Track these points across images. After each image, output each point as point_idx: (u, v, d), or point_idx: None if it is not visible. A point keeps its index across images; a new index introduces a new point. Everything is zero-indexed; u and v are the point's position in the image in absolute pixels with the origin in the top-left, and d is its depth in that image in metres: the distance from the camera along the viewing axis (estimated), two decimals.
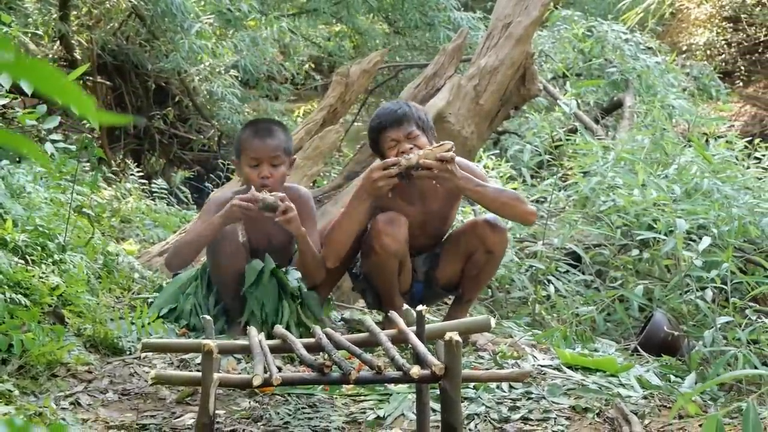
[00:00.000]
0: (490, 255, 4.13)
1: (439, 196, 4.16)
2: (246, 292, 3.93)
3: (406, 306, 3.20)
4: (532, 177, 6.93)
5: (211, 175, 9.05)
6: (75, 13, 9.58)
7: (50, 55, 9.22)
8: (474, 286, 4.27)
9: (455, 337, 2.63)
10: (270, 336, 3.19)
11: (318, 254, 4.07)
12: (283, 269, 4.06)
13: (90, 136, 8.18)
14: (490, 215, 4.17)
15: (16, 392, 3.11)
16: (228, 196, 4.06)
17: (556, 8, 11.24)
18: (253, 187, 3.94)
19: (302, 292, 4.00)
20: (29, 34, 8.73)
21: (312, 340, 2.95)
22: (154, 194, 7.44)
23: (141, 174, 7.65)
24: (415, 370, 2.63)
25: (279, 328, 3.06)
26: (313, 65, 14.34)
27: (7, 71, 0.64)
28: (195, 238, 4.06)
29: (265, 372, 2.64)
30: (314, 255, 4.05)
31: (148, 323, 3.74)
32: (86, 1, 9.55)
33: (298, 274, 4.03)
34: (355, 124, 11.05)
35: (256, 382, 2.57)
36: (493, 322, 3.03)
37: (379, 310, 4.29)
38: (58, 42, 9.30)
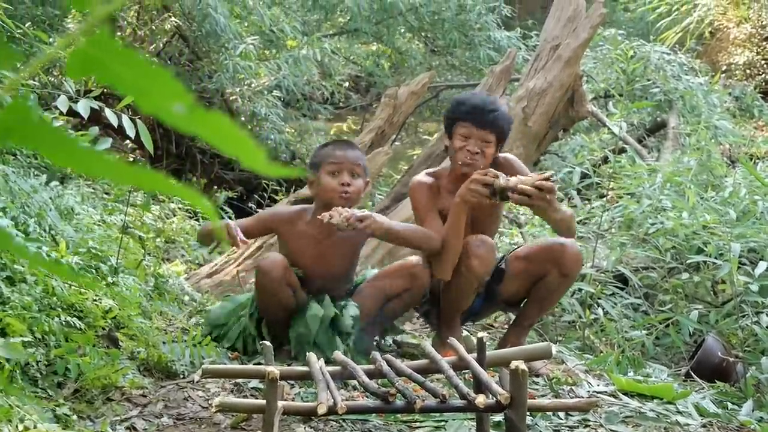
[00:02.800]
0: (564, 278, 4.07)
1: (485, 210, 4.10)
2: (295, 329, 3.92)
3: (465, 332, 3.17)
4: (579, 199, 6.89)
5: (253, 194, 9.07)
6: (119, 33, 9.65)
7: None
8: (539, 309, 4.21)
9: (522, 366, 2.59)
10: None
11: (417, 227, 3.98)
12: (342, 303, 4.03)
13: (137, 156, 8.24)
14: (566, 240, 4.09)
15: (74, 416, 3.11)
16: (291, 210, 4.07)
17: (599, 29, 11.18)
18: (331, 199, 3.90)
19: (355, 330, 3.96)
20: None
21: (372, 366, 2.92)
22: (198, 214, 7.45)
23: None
24: (481, 400, 2.59)
25: (339, 354, 3.04)
26: (351, 84, 14.37)
27: (181, 124, 0.63)
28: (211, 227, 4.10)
29: (329, 400, 2.61)
30: (410, 234, 3.91)
31: (201, 345, 3.73)
32: (131, 21, 9.62)
33: (356, 311, 3.98)
34: (395, 144, 11.05)
35: (321, 410, 2.55)
36: (554, 349, 2.99)
37: (436, 331, 4.25)
38: None
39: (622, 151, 8.17)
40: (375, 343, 4.14)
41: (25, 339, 3.20)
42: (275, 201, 6.97)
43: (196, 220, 7.35)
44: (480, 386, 2.76)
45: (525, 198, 3.72)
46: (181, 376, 3.66)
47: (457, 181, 4.05)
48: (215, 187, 10.10)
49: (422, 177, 4.18)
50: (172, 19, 9.50)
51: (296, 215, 4.04)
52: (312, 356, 2.98)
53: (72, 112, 3.98)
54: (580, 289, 5.67)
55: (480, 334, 2.95)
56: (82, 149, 0.66)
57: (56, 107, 3.95)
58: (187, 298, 4.65)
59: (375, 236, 3.88)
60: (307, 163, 4.22)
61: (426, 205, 4.10)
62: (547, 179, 3.71)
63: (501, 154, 4.15)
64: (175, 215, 7.17)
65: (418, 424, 3.38)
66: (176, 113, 0.63)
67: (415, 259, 4.03)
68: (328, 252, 4.04)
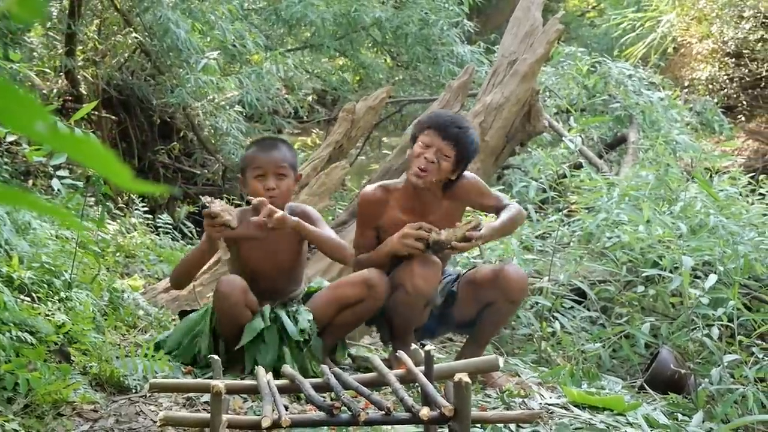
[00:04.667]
0: (511, 304, 4.15)
1: (442, 225, 4.15)
2: (246, 347, 3.91)
3: (414, 346, 3.19)
4: (536, 212, 6.94)
5: None
6: (81, 48, 9.62)
7: (55, 90, 9.26)
8: (492, 331, 4.28)
9: (465, 378, 2.62)
10: (276, 375, 3.17)
11: (333, 236, 4.02)
12: (294, 309, 4.04)
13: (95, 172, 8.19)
14: (512, 266, 4.18)
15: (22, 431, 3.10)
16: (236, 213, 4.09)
17: (560, 44, 11.29)
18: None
19: (309, 337, 3.97)
20: (34, 69, 8.76)
21: (320, 380, 2.94)
22: (159, 229, 7.43)
23: (145, 209, 7.65)
24: (425, 412, 2.61)
25: (287, 368, 3.05)
26: (316, 98, 14.39)
27: (45, 141, 0.65)
28: (189, 255, 4.07)
29: (274, 413, 2.62)
30: (326, 237, 3.98)
31: (154, 360, 3.72)
32: (92, 36, 9.60)
33: (310, 316, 4.00)
34: (359, 158, 11.09)
35: (265, 424, 2.56)
36: (501, 361, 3.01)
37: (387, 345, 4.28)
38: (63, 77, 9.34)
39: (581, 165, 8.24)
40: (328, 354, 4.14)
41: None
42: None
43: (156, 234, 7.34)
44: (427, 399, 2.78)
45: (455, 251, 3.99)
46: (134, 391, 3.65)
47: (408, 200, 4.11)
48: (178, 201, 10.08)
49: (372, 189, 4.23)
50: (134, 34, 9.48)
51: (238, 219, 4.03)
52: (260, 370, 2.99)
53: None
54: (537, 303, 5.71)
55: (428, 347, 2.97)
56: (30, 107, 0.66)
57: None
58: (142, 312, 4.65)
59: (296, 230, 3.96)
60: (240, 162, 4.25)
61: (366, 220, 4.19)
62: (475, 228, 3.87)
63: (466, 173, 4.20)
64: (135, 229, 7.16)
65: None
66: (39, 131, 0.65)
67: (374, 272, 4.05)
68: (272, 248, 4.07)
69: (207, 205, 3.80)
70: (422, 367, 2.96)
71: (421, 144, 4.07)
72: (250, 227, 3.97)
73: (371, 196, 4.20)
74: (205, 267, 5.32)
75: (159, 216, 7.60)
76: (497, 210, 4.18)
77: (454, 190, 4.18)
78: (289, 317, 4.00)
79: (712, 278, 4.83)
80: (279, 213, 3.84)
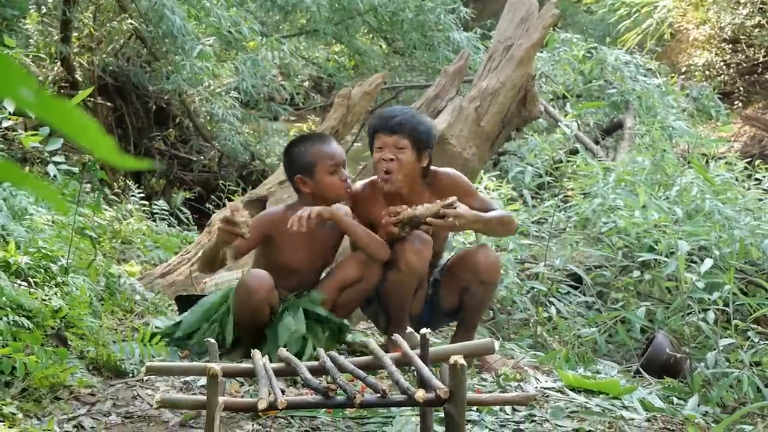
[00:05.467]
0: (485, 285, 4.15)
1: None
2: (268, 334, 3.93)
3: (409, 329, 3.20)
4: (532, 198, 6.95)
5: (211, 195, 9.06)
6: (76, 34, 9.60)
7: (51, 76, 9.24)
8: (475, 314, 4.29)
9: (460, 360, 2.63)
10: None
11: (373, 235, 4.04)
12: (305, 293, 4.09)
13: (91, 157, 8.19)
14: (481, 248, 4.20)
15: (20, 415, 3.11)
16: (280, 210, 4.14)
17: (556, 30, 11.27)
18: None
19: (326, 313, 4.02)
20: (30, 56, 8.74)
21: (316, 363, 2.95)
22: (155, 215, 7.43)
23: (141, 195, 7.65)
24: (420, 394, 2.63)
25: (283, 351, 3.06)
26: (312, 84, 14.37)
27: (30, 109, 0.65)
28: (207, 250, 4.00)
29: (270, 395, 2.63)
30: (368, 236, 4.02)
31: (151, 345, 3.73)
32: (87, 23, 9.58)
33: (320, 294, 4.05)
34: (355, 144, 11.07)
35: (261, 405, 2.57)
36: (496, 345, 3.02)
37: (386, 333, 4.29)
38: (59, 63, 9.32)
39: (577, 151, 8.25)
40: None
41: None
42: (232, 201, 6.96)
43: (152, 221, 7.34)
44: (422, 381, 2.79)
45: (430, 227, 3.95)
46: (131, 375, 3.66)
47: (393, 193, 4.12)
48: (174, 187, 10.07)
49: (360, 186, 4.29)
50: (129, 20, 9.47)
51: (286, 215, 4.00)
52: (256, 353, 3.00)
53: (23, 112, 3.97)
54: (533, 288, 5.73)
55: (423, 330, 2.98)
56: (14, 72, 0.66)
57: (3, 107, 3.94)
58: (138, 297, 4.65)
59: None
60: (294, 162, 4.13)
61: (357, 216, 4.20)
62: (449, 205, 3.85)
63: (442, 169, 4.21)
64: (132, 216, 7.16)
65: (366, 420, 3.41)
66: (24, 98, 0.65)
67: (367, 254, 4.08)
68: (318, 245, 4.10)
69: (234, 210, 3.78)
70: (418, 351, 2.97)
71: (377, 149, 4.10)
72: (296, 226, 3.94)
73: (360, 193, 4.23)
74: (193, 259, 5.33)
75: (155, 202, 7.61)
76: (484, 211, 4.14)
77: (437, 183, 4.17)
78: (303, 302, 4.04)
79: (708, 263, 4.84)
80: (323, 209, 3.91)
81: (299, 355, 3.69)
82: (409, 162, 4.06)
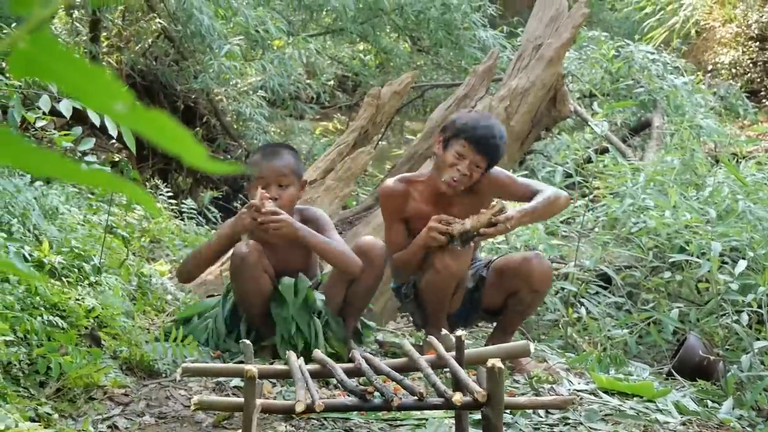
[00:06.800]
0: (535, 294, 4.13)
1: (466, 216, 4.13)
2: (274, 314, 3.92)
3: (444, 331, 3.19)
4: None
5: (238, 194, 9.07)
6: (105, 34, 9.64)
7: None
8: (518, 319, 4.29)
9: (498, 363, 2.61)
10: (306, 358, 3.18)
11: (340, 246, 3.98)
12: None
13: (122, 156, 8.23)
14: (537, 257, 4.15)
15: (55, 415, 3.12)
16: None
17: (582, 29, 11.22)
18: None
19: (327, 314, 3.99)
20: None
21: (351, 365, 2.94)
22: (184, 214, 7.45)
23: (170, 194, 7.66)
24: (458, 397, 2.61)
25: (318, 353, 3.06)
26: (337, 83, 14.37)
27: (123, 122, 0.65)
28: (204, 248, 4.07)
29: (307, 397, 2.63)
30: (332, 248, 3.95)
31: (183, 344, 3.74)
32: (116, 22, 9.62)
33: (322, 296, 4.01)
34: (381, 143, 11.07)
35: (299, 408, 2.56)
36: (532, 347, 3.01)
37: (420, 331, 4.28)
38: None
39: (606, 150, 8.21)
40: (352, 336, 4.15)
41: (7, 338, 3.21)
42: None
43: (181, 219, 7.36)
44: (458, 384, 2.78)
45: (485, 237, 3.98)
46: (164, 375, 3.67)
47: (432, 192, 4.10)
48: (201, 186, 10.10)
49: (392, 183, 4.21)
50: (158, 20, 9.49)
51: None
52: (292, 355, 2.99)
53: (55, 112, 3.98)
54: (563, 288, 5.70)
55: (459, 332, 2.97)
56: (106, 84, 0.66)
57: (39, 107, 3.95)
58: (170, 297, 4.66)
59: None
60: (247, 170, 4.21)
61: (391, 214, 4.17)
62: (499, 212, 3.84)
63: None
64: (160, 215, 7.17)
65: (399, 422, 3.40)
66: (118, 111, 0.65)
67: (367, 238, 4.09)
68: (283, 255, 4.06)
69: (262, 200, 3.81)
70: (453, 353, 2.95)
71: (455, 154, 4.03)
72: (257, 230, 3.95)
73: (392, 190, 4.20)
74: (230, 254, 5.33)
75: (183, 201, 7.62)
76: (529, 197, 4.13)
77: (476, 184, 4.16)
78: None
79: (742, 264, 4.80)
80: (279, 224, 3.85)
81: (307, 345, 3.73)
82: (476, 178, 4.07)
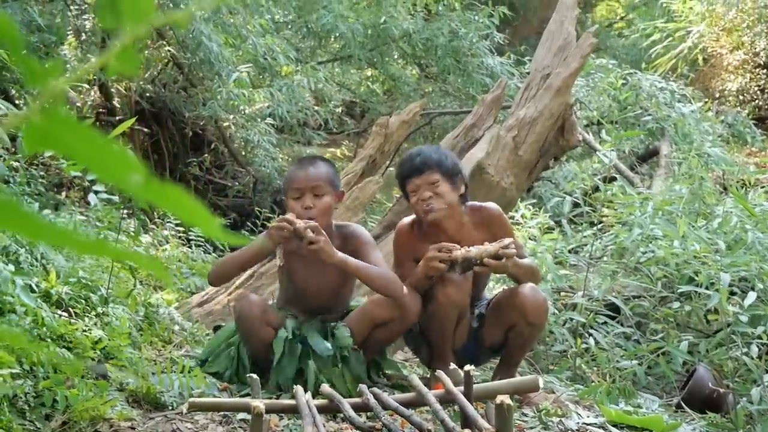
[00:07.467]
0: (531, 326, 4.11)
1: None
2: (274, 365, 3.92)
3: (453, 365, 3.17)
4: (568, 223, 6.89)
5: (246, 222, 9.07)
6: None
7: (89, 102, 9.31)
8: (519, 352, 4.26)
9: (506, 400, 2.59)
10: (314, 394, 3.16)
11: (380, 269, 3.93)
12: (333, 325, 4.03)
13: None
14: (527, 289, 4.14)
15: None
16: None
17: (591, 57, 11.24)
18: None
19: (349, 351, 3.95)
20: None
21: (359, 399, 2.92)
22: (191, 242, 7.45)
23: (177, 221, 7.67)
24: None
25: (326, 387, 3.04)
26: (345, 109, 14.41)
27: (138, 193, 0.65)
28: (238, 254, 4.03)
29: None
30: (372, 273, 3.90)
31: (190, 376, 3.72)
32: None
33: (348, 332, 3.98)
34: (390, 169, 11.08)
35: None
36: (541, 381, 2.99)
37: (428, 366, 4.26)
38: (96, 89, 9.39)
39: (614, 179, 8.19)
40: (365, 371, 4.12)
41: (14, 371, 3.20)
42: (266, 228, 6.97)
43: (188, 247, 7.36)
44: (467, 420, 2.76)
45: (486, 268, 3.94)
46: (170, 408, 3.65)
47: (440, 230, 4.11)
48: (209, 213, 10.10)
49: (407, 223, 4.27)
50: (167, 47, 9.54)
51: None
52: (299, 389, 2.98)
53: None
54: (571, 319, 5.67)
55: (468, 367, 2.95)
56: (122, 159, 0.66)
57: None
58: (177, 327, 4.65)
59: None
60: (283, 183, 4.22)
61: (405, 254, 4.17)
62: (506, 247, 3.84)
63: (486, 204, 4.20)
64: (167, 242, 7.18)
65: None
66: (132, 184, 0.65)
67: (406, 290, 4.01)
68: (319, 267, 4.02)
69: (292, 220, 3.81)
70: (461, 388, 2.94)
71: (411, 193, 4.11)
72: (295, 245, 3.93)
73: (406, 230, 4.24)
74: (238, 282, 5.33)
75: (191, 228, 7.62)
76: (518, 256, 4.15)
77: (482, 217, 4.17)
78: (327, 333, 3.99)
79: (752, 296, 4.77)
80: (319, 245, 3.79)
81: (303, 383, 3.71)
82: (446, 192, 4.07)
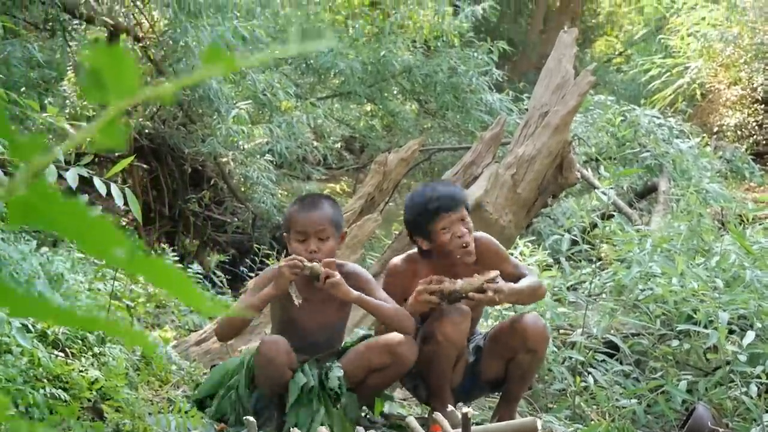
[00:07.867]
0: (533, 354, 4.09)
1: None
2: (289, 410, 3.87)
3: (450, 407, 3.16)
4: (566, 259, 6.88)
5: (245, 258, 9.06)
6: None
7: (88, 138, 9.31)
8: (520, 385, 4.23)
9: None
10: None
11: (393, 306, 3.94)
12: (328, 365, 4.00)
13: (127, 220, 8.24)
14: (529, 315, 4.14)
15: None
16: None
17: (590, 93, 11.28)
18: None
19: (342, 393, 3.92)
20: (67, 118, 8.83)
21: None
22: (190, 278, 7.43)
23: (176, 257, 7.66)
24: None
25: (323, 430, 3.02)
26: (344, 144, 14.44)
27: (125, 267, 0.65)
28: (245, 310, 4.00)
29: None
30: (386, 310, 3.92)
31: (187, 417, 3.70)
32: None
33: (341, 372, 3.95)
34: (389, 204, 11.09)
35: None
36: (539, 423, 2.97)
37: (427, 405, 4.24)
38: None
39: (612, 215, 8.20)
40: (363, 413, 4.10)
41: (9, 412, 3.18)
42: (266, 264, 6.96)
43: None
44: None
45: (473, 301, 3.92)
46: None
47: (435, 267, 4.08)
48: (208, 248, 10.10)
49: (399, 261, 4.22)
50: (166, 83, 9.56)
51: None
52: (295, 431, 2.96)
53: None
54: (570, 357, 5.65)
55: (465, 410, 2.94)
56: (108, 233, 0.67)
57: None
58: (174, 367, 4.63)
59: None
60: (284, 219, 4.18)
61: (395, 291, 4.11)
62: (492, 280, 3.84)
63: (476, 234, 4.18)
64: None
65: None
66: (118, 258, 0.65)
67: (400, 337, 3.95)
68: (321, 307, 4.02)
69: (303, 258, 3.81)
70: (459, 430, 2.92)
71: (444, 228, 4.01)
72: (300, 281, 3.92)
73: (398, 268, 4.19)
74: None
75: (189, 265, 7.62)
76: (517, 277, 4.12)
77: (475, 251, 4.14)
78: (321, 374, 3.97)
79: (750, 335, 4.77)
80: (336, 279, 3.81)
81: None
82: (472, 228, 4.08)
